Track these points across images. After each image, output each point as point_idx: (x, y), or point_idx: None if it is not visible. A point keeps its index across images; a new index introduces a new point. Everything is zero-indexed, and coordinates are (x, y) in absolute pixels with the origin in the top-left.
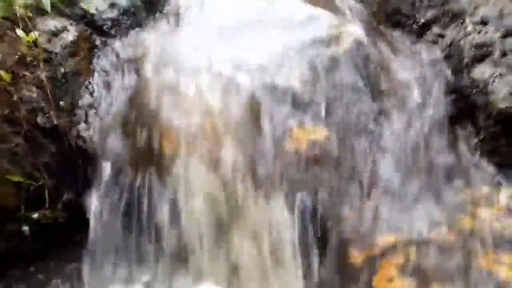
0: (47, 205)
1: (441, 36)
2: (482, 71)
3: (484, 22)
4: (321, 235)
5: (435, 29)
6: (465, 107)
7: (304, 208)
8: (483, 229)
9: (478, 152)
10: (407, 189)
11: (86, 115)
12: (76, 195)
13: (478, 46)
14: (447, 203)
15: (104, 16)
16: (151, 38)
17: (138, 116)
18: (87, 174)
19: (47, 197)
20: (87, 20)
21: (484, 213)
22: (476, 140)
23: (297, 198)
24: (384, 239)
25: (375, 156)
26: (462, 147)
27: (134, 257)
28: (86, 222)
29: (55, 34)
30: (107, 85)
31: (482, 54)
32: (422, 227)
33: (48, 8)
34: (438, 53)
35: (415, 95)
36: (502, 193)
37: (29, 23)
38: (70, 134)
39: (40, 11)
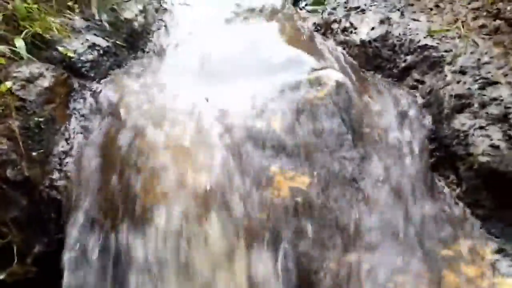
0: (15, 262)
1: (421, 82)
2: (462, 122)
3: (462, 72)
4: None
5: (415, 75)
6: (446, 157)
7: (287, 260)
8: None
9: (462, 204)
10: (391, 241)
11: (61, 163)
12: (47, 246)
13: (457, 97)
14: (431, 257)
15: (83, 58)
16: (131, 79)
17: (115, 163)
18: (59, 224)
19: (15, 253)
20: (65, 64)
21: (469, 270)
22: (458, 191)
23: (279, 249)
24: None
25: (358, 205)
26: (446, 197)
27: None
28: (58, 274)
29: (30, 80)
30: (84, 130)
31: (461, 104)
32: (406, 284)
33: (24, 54)
34: (418, 99)
35: (397, 141)
36: (487, 248)
37: (3, 70)
38: (43, 184)
39: (15, 57)
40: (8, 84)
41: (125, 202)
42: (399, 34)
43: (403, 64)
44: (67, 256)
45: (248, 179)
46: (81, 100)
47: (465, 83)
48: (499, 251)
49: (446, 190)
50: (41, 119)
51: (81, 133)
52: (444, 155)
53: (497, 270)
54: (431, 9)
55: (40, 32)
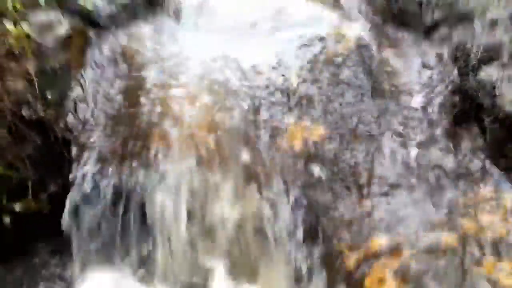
0: (29, 196)
1: (449, 37)
2: (489, 74)
3: (493, 24)
4: (314, 233)
5: (443, 30)
6: (470, 109)
7: (297, 204)
8: (486, 234)
9: (483, 155)
10: (407, 190)
11: (75, 108)
12: (61, 188)
13: (486, 48)
14: (449, 205)
15: (101, 11)
16: (148, 32)
17: (128, 110)
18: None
19: (30, 188)
20: (84, 15)
21: (488, 217)
22: (481, 142)
23: (290, 193)
24: (379, 240)
25: (374, 156)
26: (467, 149)
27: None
28: None
29: (48, 27)
30: (100, 78)
31: (490, 56)
32: (420, 229)
33: (42, 1)
34: (445, 54)
35: (419, 96)
36: (508, 197)
37: (21, 15)
38: (57, 126)
39: (35, 4)
40: (25, 27)
41: (136, 146)
42: None
43: (430, 20)
44: (73, 196)
45: (264, 129)
46: (98, 50)
47: (495, 35)
48: None
49: (469, 142)
50: (57, 64)
51: (96, 80)
52: (468, 107)
53: None
54: None
55: None
